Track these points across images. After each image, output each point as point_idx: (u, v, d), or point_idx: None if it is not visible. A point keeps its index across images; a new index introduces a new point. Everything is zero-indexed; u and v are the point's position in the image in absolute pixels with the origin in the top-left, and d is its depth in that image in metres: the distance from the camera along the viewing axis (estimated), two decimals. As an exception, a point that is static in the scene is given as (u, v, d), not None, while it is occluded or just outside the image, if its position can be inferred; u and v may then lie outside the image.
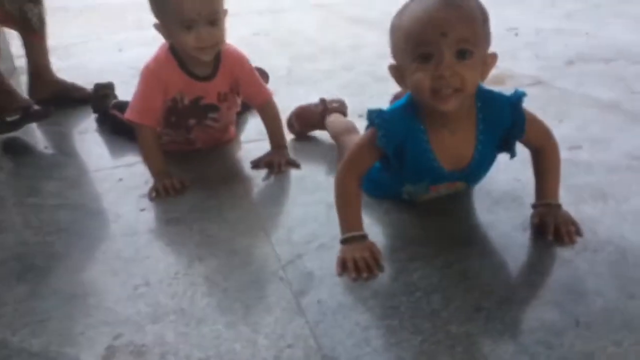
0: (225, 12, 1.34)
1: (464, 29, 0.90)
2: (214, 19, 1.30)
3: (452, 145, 1.03)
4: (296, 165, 1.42)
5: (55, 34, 2.41)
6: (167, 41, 1.39)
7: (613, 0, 3.27)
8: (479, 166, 1.08)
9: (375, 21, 3.12)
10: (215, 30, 1.31)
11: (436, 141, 1.03)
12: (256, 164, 1.44)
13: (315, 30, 3.15)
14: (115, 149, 1.65)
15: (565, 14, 3.01)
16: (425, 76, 0.91)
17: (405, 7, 0.97)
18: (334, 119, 1.52)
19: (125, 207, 1.30)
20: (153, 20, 1.36)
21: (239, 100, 1.53)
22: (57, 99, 2.04)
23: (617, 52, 2.17)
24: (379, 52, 2.43)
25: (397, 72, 1.00)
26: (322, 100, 1.58)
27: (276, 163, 1.41)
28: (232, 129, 1.63)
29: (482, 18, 0.94)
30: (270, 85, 1.63)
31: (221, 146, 1.59)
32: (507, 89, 1.07)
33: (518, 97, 1.02)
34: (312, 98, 1.76)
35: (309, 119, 1.58)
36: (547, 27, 2.72)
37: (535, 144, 1.07)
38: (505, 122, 1.02)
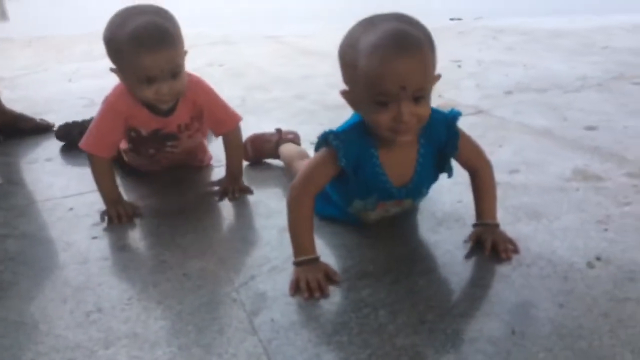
0: (185, 53, 1.34)
1: (420, 79, 0.96)
2: (176, 72, 1.30)
3: (398, 162, 1.10)
4: (249, 192, 1.45)
5: (2, 65, 2.38)
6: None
7: (549, 34, 3.50)
8: (421, 180, 1.14)
9: (326, 53, 3.21)
10: (177, 83, 1.31)
11: (386, 159, 1.09)
12: (211, 192, 1.46)
13: (267, 61, 3.23)
14: (65, 179, 1.64)
15: (505, 47, 3.19)
16: (384, 118, 0.98)
17: (358, 40, 0.98)
18: (287, 147, 1.57)
19: (76, 236, 1.29)
20: (103, 51, 1.37)
21: (205, 128, 1.54)
22: (4, 129, 2.02)
23: (551, 82, 2.32)
24: (330, 82, 2.52)
25: (351, 98, 1.04)
26: (279, 130, 1.62)
27: (230, 191, 1.44)
28: (206, 155, 1.65)
29: (432, 52, 0.99)
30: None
31: (187, 172, 1.61)
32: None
33: (454, 115, 1.10)
34: (264, 126, 1.81)
35: (263, 147, 1.61)
36: (488, 59, 2.88)
37: (469, 165, 1.14)
38: (441, 138, 1.10)
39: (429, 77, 0.98)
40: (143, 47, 1.23)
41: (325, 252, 1.13)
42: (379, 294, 1.00)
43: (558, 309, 0.92)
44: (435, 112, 1.06)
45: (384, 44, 0.94)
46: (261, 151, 1.62)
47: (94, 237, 1.28)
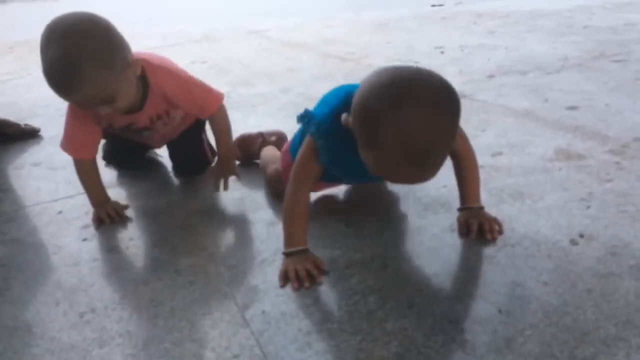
0: (128, 63, 1.20)
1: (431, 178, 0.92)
2: (107, 100, 1.19)
3: None
4: (236, 174, 1.45)
5: (-15, 72, 2.37)
6: None
7: (529, 16, 3.52)
8: None
9: (309, 45, 3.22)
10: (115, 104, 1.21)
11: None
12: (203, 185, 1.46)
13: (251, 56, 3.22)
14: (53, 183, 1.64)
15: (487, 31, 3.21)
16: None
17: (380, 122, 0.86)
18: (266, 151, 1.55)
19: (66, 239, 1.30)
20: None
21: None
22: (-11, 136, 2.01)
23: (533, 64, 2.34)
24: (314, 75, 2.53)
25: (355, 137, 0.95)
26: (261, 134, 1.62)
27: (223, 180, 1.42)
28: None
29: (452, 146, 0.91)
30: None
31: (162, 174, 1.61)
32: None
33: None
34: (249, 122, 1.82)
35: (249, 149, 1.61)
36: (471, 43, 2.89)
37: (453, 151, 1.15)
38: None
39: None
40: (55, 89, 1.16)
41: (312, 242, 1.14)
42: (367, 281, 1.02)
43: (543, 287, 0.94)
44: None
45: (406, 158, 0.86)
46: (248, 154, 1.61)
47: (84, 239, 1.29)
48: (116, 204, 1.39)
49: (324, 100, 1.11)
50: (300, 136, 1.20)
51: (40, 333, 0.97)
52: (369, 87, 0.90)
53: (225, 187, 1.43)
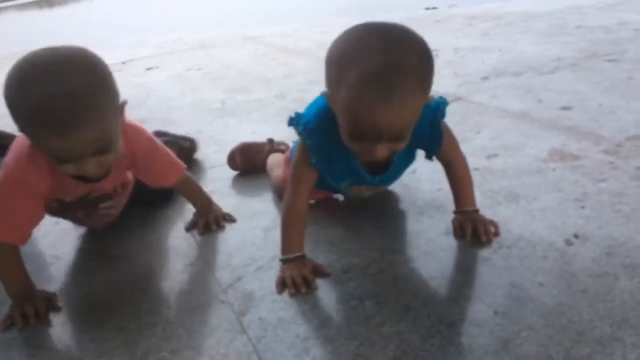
0: (122, 106, 1.02)
1: (400, 127, 0.91)
2: (104, 148, 0.97)
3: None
4: (232, 220, 1.33)
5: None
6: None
7: (522, 17, 3.53)
8: (397, 172, 1.17)
9: (305, 50, 3.24)
10: (108, 156, 0.99)
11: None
12: (191, 228, 1.32)
13: (247, 62, 3.23)
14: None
15: (480, 33, 3.22)
16: (357, 147, 0.96)
17: (345, 59, 0.90)
18: (274, 157, 1.53)
19: (64, 249, 1.30)
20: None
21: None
22: (-15, 147, 2.01)
23: (526, 65, 2.35)
24: (309, 79, 2.54)
25: (331, 103, 0.98)
26: (270, 141, 1.59)
27: (212, 221, 1.30)
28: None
29: (422, 88, 0.91)
30: (204, 119, 1.63)
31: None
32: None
33: (440, 112, 1.08)
34: (244, 128, 1.82)
35: (254, 158, 1.57)
36: (465, 46, 2.90)
37: (445, 158, 1.15)
38: (425, 136, 1.09)
39: (412, 121, 0.93)
40: (51, 128, 0.89)
41: (310, 247, 1.14)
42: (364, 285, 1.02)
43: (538, 288, 0.95)
44: None
45: (366, 87, 0.87)
46: (252, 163, 1.56)
47: (82, 249, 1.29)
48: (43, 298, 1.07)
49: (311, 105, 1.11)
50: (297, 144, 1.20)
51: (39, 344, 0.98)
52: (333, 42, 0.95)
53: (218, 228, 1.30)
